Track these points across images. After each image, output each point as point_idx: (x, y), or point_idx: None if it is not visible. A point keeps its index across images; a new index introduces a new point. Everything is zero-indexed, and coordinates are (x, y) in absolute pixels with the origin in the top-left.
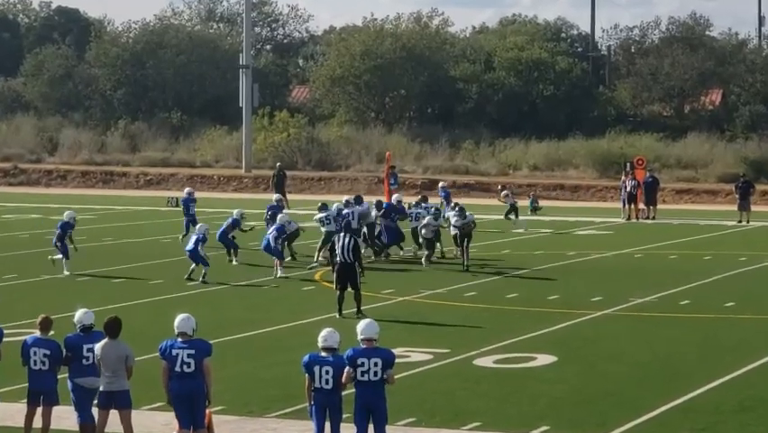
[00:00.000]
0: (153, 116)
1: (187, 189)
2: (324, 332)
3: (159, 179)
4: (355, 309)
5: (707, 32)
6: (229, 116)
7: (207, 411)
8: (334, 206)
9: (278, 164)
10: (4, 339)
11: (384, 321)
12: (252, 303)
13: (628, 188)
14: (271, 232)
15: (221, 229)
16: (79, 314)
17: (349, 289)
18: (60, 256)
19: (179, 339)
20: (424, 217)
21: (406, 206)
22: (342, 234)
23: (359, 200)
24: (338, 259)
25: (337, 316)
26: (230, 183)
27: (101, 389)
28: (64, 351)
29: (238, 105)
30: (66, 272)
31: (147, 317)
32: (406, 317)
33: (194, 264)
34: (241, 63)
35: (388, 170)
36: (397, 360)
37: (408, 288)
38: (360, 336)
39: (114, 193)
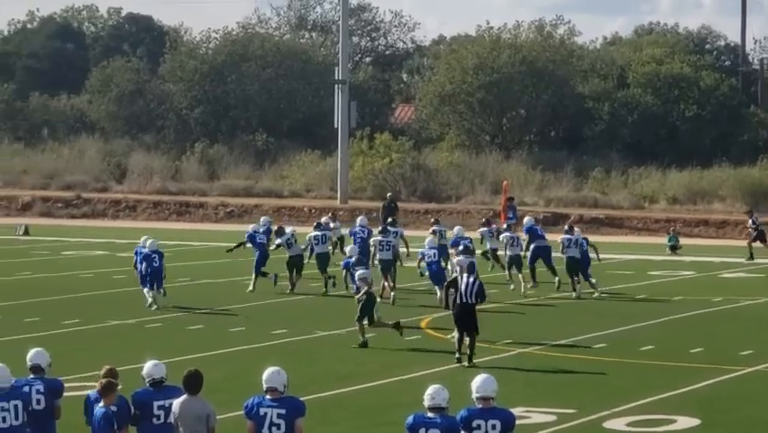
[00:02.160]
0: (235, 139)
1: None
2: (430, 389)
3: (241, 211)
4: (466, 360)
5: None
6: (322, 139)
7: None
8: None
9: (388, 195)
10: (65, 394)
11: (501, 376)
12: (345, 355)
13: None
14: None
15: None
16: (149, 366)
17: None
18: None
19: (268, 396)
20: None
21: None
22: (465, 274)
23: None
24: (458, 300)
25: (457, 355)
26: (323, 216)
27: None
28: (132, 408)
29: (333, 126)
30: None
31: (228, 370)
32: (527, 372)
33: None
34: (336, 78)
35: (505, 202)
36: (516, 422)
37: (528, 337)
38: (475, 394)
39: (189, 227)
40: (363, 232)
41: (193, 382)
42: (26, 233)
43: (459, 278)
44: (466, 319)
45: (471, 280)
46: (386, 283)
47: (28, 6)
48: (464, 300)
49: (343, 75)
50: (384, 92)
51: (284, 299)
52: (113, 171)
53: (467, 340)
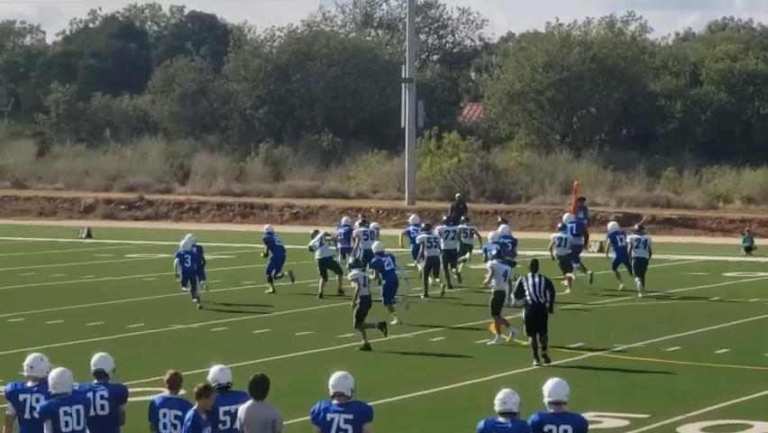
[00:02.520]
0: (300, 139)
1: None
2: (501, 393)
3: (306, 213)
4: (540, 359)
5: None
6: (389, 139)
7: None
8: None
9: (457, 195)
10: (130, 399)
11: (573, 380)
12: (414, 359)
13: None
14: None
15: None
16: (214, 371)
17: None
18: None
19: (335, 401)
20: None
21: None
22: (531, 273)
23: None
24: (529, 300)
25: (535, 363)
26: (390, 217)
27: None
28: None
29: (400, 126)
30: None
31: (295, 374)
32: (599, 376)
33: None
34: (403, 76)
35: (576, 202)
36: (589, 426)
37: (600, 340)
38: (546, 399)
39: (254, 229)
40: (417, 231)
41: (259, 387)
42: (89, 235)
43: (524, 280)
44: (538, 319)
45: (538, 279)
46: (432, 280)
47: (90, 5)
48: (535, 301)
49: (410, 73)
50: (452, 91)
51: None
52: (176, 173)
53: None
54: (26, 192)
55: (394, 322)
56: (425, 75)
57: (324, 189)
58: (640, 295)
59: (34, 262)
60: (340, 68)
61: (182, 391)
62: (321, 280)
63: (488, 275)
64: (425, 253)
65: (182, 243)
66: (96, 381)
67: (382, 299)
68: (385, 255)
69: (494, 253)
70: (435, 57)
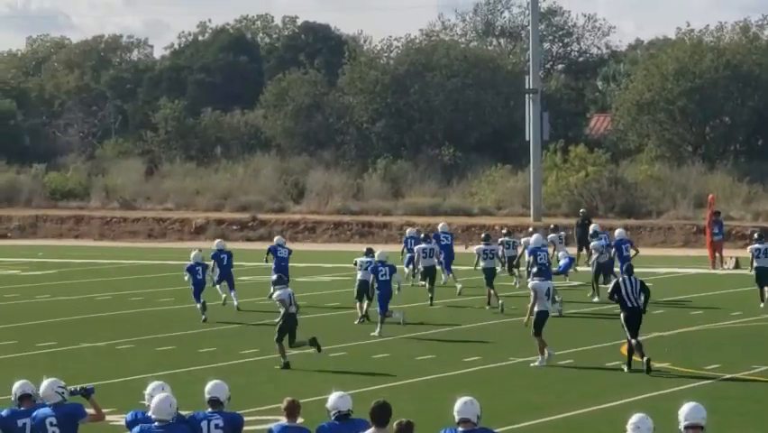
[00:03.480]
0: (420, 154)
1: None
2: (635, 418)
3: (427, 231)
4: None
5: None
6: (513, 152)
7: None
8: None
9: (581, 211)
10: (245, 428)
11: (710, 404)
12: (542, 383)
13: None
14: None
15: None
16: (334, 398)
17: None
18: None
19: (461, 428)
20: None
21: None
22: (627, 276)
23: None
24: (627, 303)
25: (625, 369)
26: (515, 235)
27: None
28: None
29: (524, 139)
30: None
31: (417, 401)
32: (737, 400)
33: None
34: (527, 87)
35: (710, 216)
36: None
37: (739, 361)
38: (683, 423)
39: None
40: (447, 239)
41: (381, 415)
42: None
43: (620, 282)
44: (636, 321)
45: (633, 281)
46: (491, 291)
47: (199, 18)
48: (633, 304)
49: (534, 84)
50: (578, 101)
51: (478, 324)
52: (290, 191)
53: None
54: (135, 213)
55: (375, 333)
56: (550, 85)
57: (445, 207)
58: (762, 305)
59: (144, 287)
60: (460, 79)
61: (300, 420)
62: (358, 304)
63: (531, 297)
64: (481, 263)
65: (192, 255)
66: (210, 409)
67: (378, 308)
68: (385, 264)
69: (534, 271)
70: (560, 66)
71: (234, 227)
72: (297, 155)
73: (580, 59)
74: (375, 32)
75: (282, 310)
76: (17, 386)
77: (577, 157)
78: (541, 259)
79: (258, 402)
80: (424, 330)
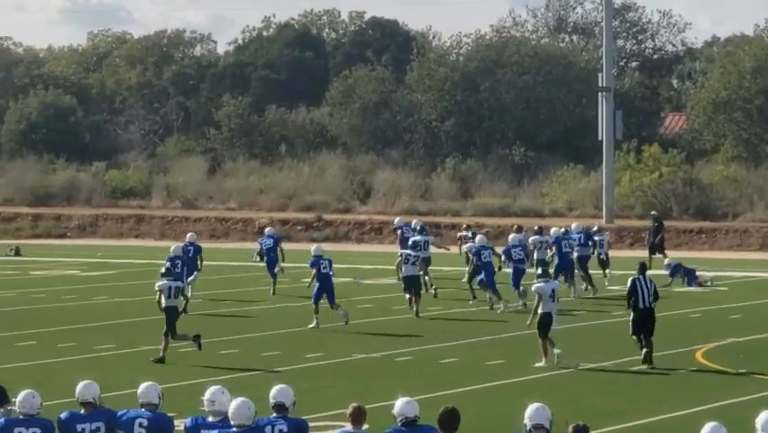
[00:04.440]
0: (490, 153)
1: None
2: (708, 427)
3: (497, 233)
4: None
5: None
6: (585, 152)
7: None
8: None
9: (652, 213)
10: None
11: None
12: (612, 389)
13: None
14: None
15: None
16: (401, 404)
17: None
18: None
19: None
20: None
21: None
22: (641, 276)
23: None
24: (640, 304)
25: (645, 367)
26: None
27: None
28: None
29: (597, 138)
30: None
31: (485, 406)
32: None
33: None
34: (600, 85)
35: None
36: None
37: None
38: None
39: (441, 250)
40: (408, 231)
41: (449, 421)
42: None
43: (636, 282)
44: (648, 323)
45: (648, 283)
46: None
47: (264, 12)
48: (646, 305)
49: (608, 82)
50: (652, 100)
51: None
52: (356, 190)
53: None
54: (197, 213)
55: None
56: (624, 83)
57: (515, 207)
58: None
59: (204, 289)
60: (532, 76)
61: (365, 426)
62: (407, 297)
63: (535, 300)
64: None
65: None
66: (275, 414)
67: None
68: (323, 258)
69: (539, 272)
70: (634, 63)
71: (299, 228)
72: (364, 154)
73: (655, 56)
74: (444, 28)
75: (163, 301)
76: (80, 390)
77: (651, 157)
78: (485, 258)
79: (322, 407)
80: (493, 334)
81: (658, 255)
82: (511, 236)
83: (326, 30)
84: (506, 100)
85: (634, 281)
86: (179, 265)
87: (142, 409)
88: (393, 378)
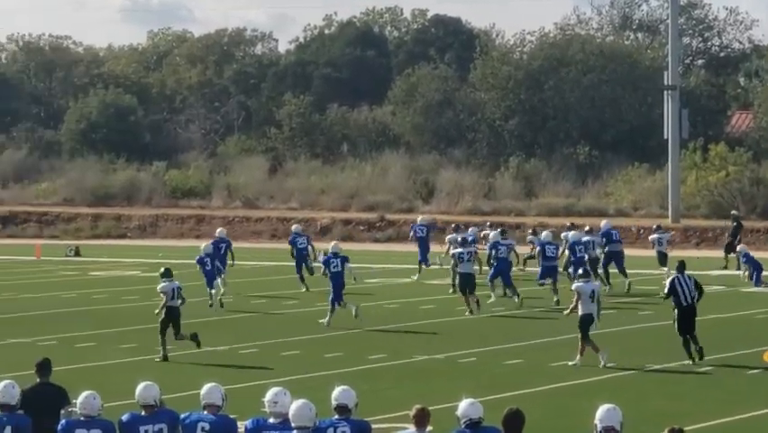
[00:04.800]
0: (554, 152)
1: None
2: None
3: (561, 232)
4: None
5: None
6: (651, 151)
7: None
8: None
9: (732, 212)
10: None
11: None
12: (679, 391)
13: None
14: None
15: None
16: (465, 405)
17: None
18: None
19: None
20: None
21: None
22: (680, 274)
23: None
24: (682, 301)
25: (691, 362)
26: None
27: None
28: None
29: (662, 137)
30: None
31: (550, 407)
32: None
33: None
34: (665, 83)
35: None
36: None
37: None
38: None
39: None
40: (422, 231)
41: (513, 423)
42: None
43: (675, 281)
44: (690, 320)
45: (688, 279)
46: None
47: (325, 10)
48: (688, 302)
49: (673, 80)
50: (718, 98)
51: (613, 329)
52: (419, 190)
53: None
54: (258, 212)
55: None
56: (690, 81)
57: (579, 207)
58: None
59: (267, 289)
60: (596, 74)
61: (429, 428)
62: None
63: (573, 299)
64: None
65: (202, 247)
66: (337, 416)
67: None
68: (338, 256)
69: (581, 272)
70: (700, 61)
71: (361, 228)
72: (427, 153)
73: (722, 54)
74: (508, 26)
75: (163, 302)
76: (141, 392)
77: (717, 156)
78: (501, 253)
79: (385, 409)
80: (557, 336)
81: (733, 255)
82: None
83: (389, 28)
84: (570, 99)
85: (673, 280)
86: (208, 263)
87: (205, 412)
88: (456, 379)
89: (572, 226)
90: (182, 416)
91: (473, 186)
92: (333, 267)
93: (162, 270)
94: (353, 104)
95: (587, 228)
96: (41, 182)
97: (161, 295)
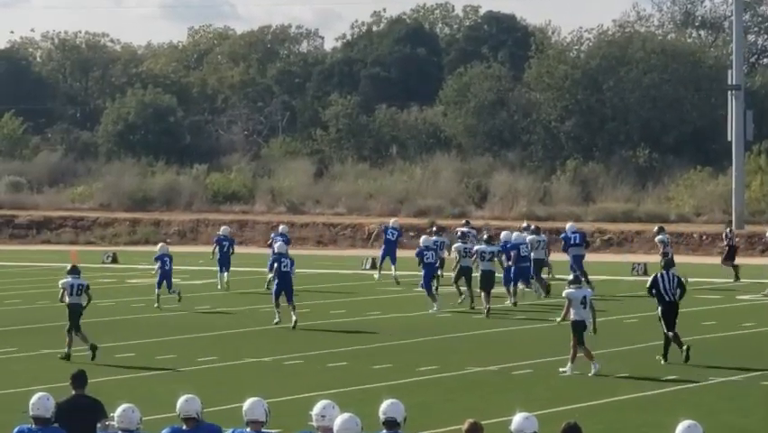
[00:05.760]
0: (613, 155)
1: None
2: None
3: (620, 239)
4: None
5: None
6: (714, 154)
7: None
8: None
9: None
10: None
11: None
12: (746, 405)
13: None
14: None
15: None
16: (519, 420)
17: None
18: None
19: None
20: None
21: None
22: (665, 271)
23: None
24: (665, 297)
25: (662, 361)
26: (715, 244)
27: None
28: None
29: (726, 140)
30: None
31: (608, 422)
32: None
33: None
34: (729, 83)
35: None
36: None
37: None
38: None
39: (560, 258)
40: (393, 234)
41: None
42: (373, 266)
43: (658, 277)
44: (673, 315)
45: (671, 275)
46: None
47: (373, 7)
48: (670, 299)
49: (738, 79)
50: None
51: (715, 335)
52: (472, 194)
53: None
54: (303, 218)
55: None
56: (755, 81)
57: (639, 212)
58: None
59: (313, 298)
60: (657, 74)
61: None
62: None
63: (565, 306)
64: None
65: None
66: (385, 430)
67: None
68: (284, 257)
69: (571, 279)
70: (766, 60)
71: (411, 234)
72: (480, 156)
73: None
74: (564, 23)
75: (67, 298)
76: (183, 405)
77: None
78: (428, 258)
79: (436, 423)
80: (616, 347)
81: None
82: (515, 234)
83: (439, 25)
84: (630, 99)
85: (656, 276)
86: (168, 262)
87: (248, 430)
88: (511, 392)
89: (528, 228)
90: (228, 432)
91: (528, 190)
92: (284, 267)
93: (69, 267)
94: (403, 104)
95: (524, 226)
96: (76, 186)
97: (61, 288)
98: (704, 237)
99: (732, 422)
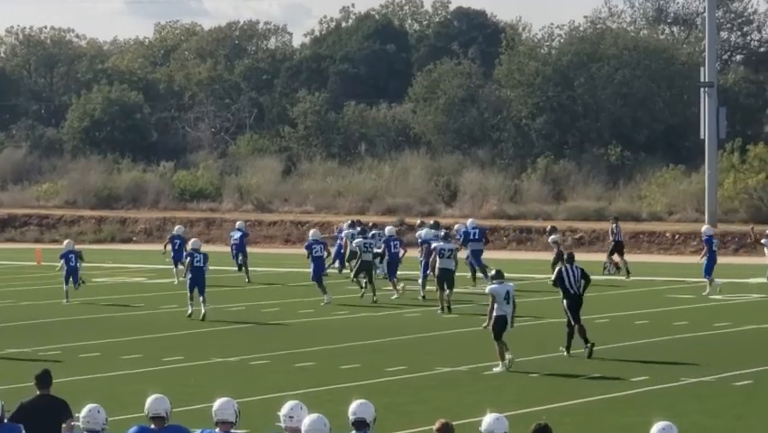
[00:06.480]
0: (584, 153)
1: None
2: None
3: (591, 238)
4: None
5: None
6: (687, 152)
7: None
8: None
9: None
10: None
11: None
12: (715, 406)
13: None
14: None
15: None
16: (489, 420)
17: None
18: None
19: None
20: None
21: None
22: (569, 265)
23: None
24: (570, 291)
25: (565, 353)
26: (687, 243)
27: None
28: None
29: (698, 137)
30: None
31: (580, 424)
32: None
33: None
34: (702, 80)
35: None
36: None
37: None
38: None
39: (530, 257)
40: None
41: None
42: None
43: (563, 271)
44: (577, 307)
45: (575, 270)
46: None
47: (342, 3)
48: (575, 292)
49: (710, 77)
50: (758, 96)
51: (644, 341)
52: (441, 192)
53: None
54: (271, 216)
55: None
56: (728, 78)
57: (611, 210)
58: None
59: (281, 297)
60: (629, 71)
61: None
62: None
63: (489, 302)
64: (362, 257)
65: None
66: (355, 431)
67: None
68: (198, 252)
69: (493, 273)
70: (739, 57)
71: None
72: (449, 153)
73: (761, 49)
74: (535, 19)
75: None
76: (151, 404)
77: (756, 157)
78: (316, 252)
79: (406, 424)
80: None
81: None
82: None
83: (409, 21)
84: (601, 96)
85: (560, 270)
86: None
87: (217, 430)
88: (482, 392)
89: (423, 224)
90: (197, 432)
91: (498, 188)
92: (197, 261)
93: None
94: (372, 101)
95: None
96: (41, 183)
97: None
98: (676, 236)
99: (702, 423)
